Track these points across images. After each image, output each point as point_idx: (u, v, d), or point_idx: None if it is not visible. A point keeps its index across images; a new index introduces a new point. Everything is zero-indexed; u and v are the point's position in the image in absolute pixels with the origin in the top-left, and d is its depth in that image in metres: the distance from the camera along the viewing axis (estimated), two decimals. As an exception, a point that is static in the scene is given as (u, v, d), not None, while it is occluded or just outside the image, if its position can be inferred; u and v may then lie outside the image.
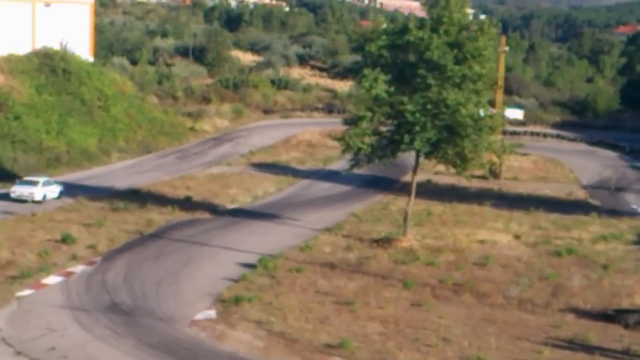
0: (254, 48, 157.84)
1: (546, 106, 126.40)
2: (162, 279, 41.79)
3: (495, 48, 61.71)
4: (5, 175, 63.46)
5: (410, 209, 52.99)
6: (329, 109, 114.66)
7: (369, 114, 49.81)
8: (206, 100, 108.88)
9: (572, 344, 35.54)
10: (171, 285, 40.95)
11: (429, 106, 48.72)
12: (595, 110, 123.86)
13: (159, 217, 55.02)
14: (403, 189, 65.00)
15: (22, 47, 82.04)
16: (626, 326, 38.12)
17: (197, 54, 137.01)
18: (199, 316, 36.80)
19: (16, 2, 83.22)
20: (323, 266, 45.66)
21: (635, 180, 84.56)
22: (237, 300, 38.31)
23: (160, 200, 59.95)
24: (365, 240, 52.35)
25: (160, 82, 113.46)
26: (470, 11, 55.44)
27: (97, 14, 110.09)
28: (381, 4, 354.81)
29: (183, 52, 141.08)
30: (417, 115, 48.68)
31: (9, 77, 77.25)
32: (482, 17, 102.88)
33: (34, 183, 58.17)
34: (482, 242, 53.61)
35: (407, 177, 67.26)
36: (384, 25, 51.98)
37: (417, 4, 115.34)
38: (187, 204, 59.85)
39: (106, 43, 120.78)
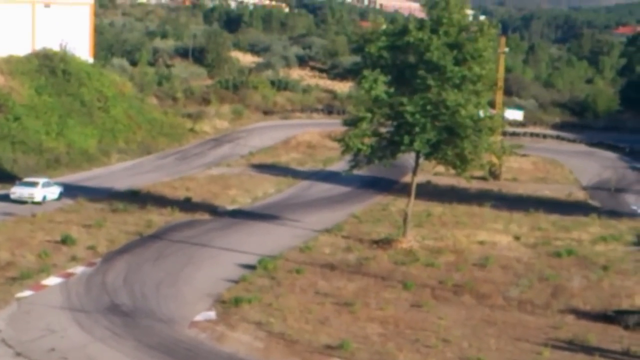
0: (253, 49, 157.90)
1: (546, 107, 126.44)
2: (161, 280, 41.78)
3: (495, 49, 61.72)
4: (5, 177, 63.47)
5: (410, 210, 52.99)
6: (329, 110, 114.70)
7: (369, 115, 49.82)
8: (206, 101, 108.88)
9: (572, 345, 35.53)
10: (171, 287, 40.94)
11: (428, 107, 48.72)
12: (595, 111, 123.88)
13: (158, 218, 55.01)
14: (403, 190, 65.00)
15: (21, 48, 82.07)
16: (626, 327, 38.11)
17: (197, 55, 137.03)
18: (199, 317, 36.79)
19: (16, 3, 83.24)
20: (323, 267, 45.65)
21: (635, 181, 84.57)
22: (237, 301, 38.30)
23: (160, 201, 59.94)
24: (365, 241, 52.35)
25: (160, 83, 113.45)
26: (469, 12, 55.47)
27: (96, 15, 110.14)
28: (381, 5, 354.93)
29: (183, 53, 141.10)
30: (417, 116, 48.69)
31: (8, 78, 77.26)
32: (482, 18, 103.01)
33: (33, 184, 58.16)
34: (482, 243, 53.61)
35: (407, 178, 67.26)
36: (384, 26, 51.99)
37: (416, 5, 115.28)
38: (186, 205, 59.84)
39: (106, 44, 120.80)
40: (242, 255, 47.24)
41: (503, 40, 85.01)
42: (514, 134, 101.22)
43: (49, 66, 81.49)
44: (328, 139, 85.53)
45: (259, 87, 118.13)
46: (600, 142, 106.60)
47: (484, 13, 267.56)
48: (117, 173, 71.69)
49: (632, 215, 66.69)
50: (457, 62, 48.90)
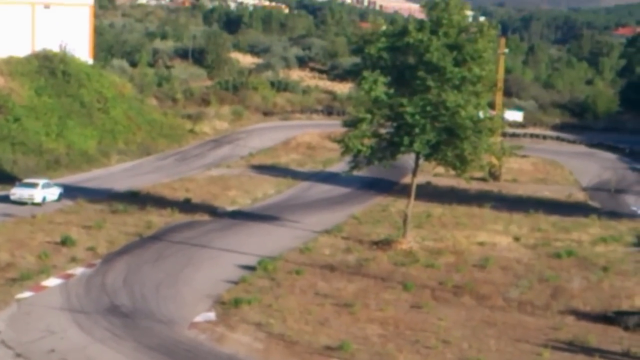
0: (253, 50, 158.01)
1: (546, 108, 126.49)
2: (161, 281, 41.77)
3: (494, 50, 61.73)
4: (4, 178, 63.45)
5: (409, 210, 52.98)
6: (329, 111, 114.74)
7: (369, 116, 49.83)
8: (206, 102, 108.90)
9: (572, 346, 35.52)
10: (171, 288, 40.92)
11: (428, 108, 48.72)
12: (595, 112, 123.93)
13: (158, 219, 55.00)
14: (403, 190, 64.99)
15: (21, 49, 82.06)
16: (626, 328, 38.10)
17: (197, 56, 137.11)
18: (199, 318, 36.78)
19: (16, 4, 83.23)
20: (323, 268, 45.63)
21: (634, 182, 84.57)
22: (236, 303, 38.28)
23: (160, 202, 59.92)
24: (364, 242, 52.33)
25: (159, 84, 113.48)
26: (469, 13, 55.45)
27: (96, 16, 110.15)
28: (381, 6, 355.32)
29: (182, 54, 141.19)
30: (417, 117, 48.70)
31: (8, 79, 77.26)
32: (482, 19, 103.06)
33: (33, 185, 58.13)
34: (481, 244, 53.59)
35: (407, 179, 67.26)
36: (384, 27, 52.00)
37: (416, 6, 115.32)
38: (186, 206, 59.83)
39: (105, 45, 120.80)
40: (242, 256, 47.23)
41: (503, 41, 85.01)
42: (513, 135, 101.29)
43: (49, 67, 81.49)
44: (328, 140, 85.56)
45: (258, 88, 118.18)
46: (600, 143, 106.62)
47: (483, 14, 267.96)
48: (117, 174, 71.68)
49: (632, 216, 66.68)
50: (457, 63, 48.91)
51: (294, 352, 33.21)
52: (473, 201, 67.67)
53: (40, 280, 40.28)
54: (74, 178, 68.07)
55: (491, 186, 75.97)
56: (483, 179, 74.09)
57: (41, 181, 59.16)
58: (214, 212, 59.31)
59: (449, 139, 49.41)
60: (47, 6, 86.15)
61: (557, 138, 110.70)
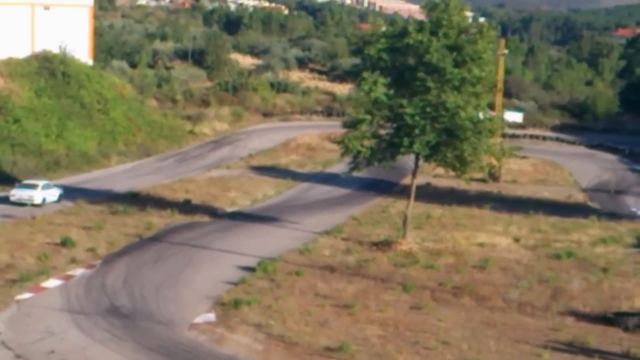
0: (253, 51, 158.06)
1: (545, 109, 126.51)
2: (161, 282, 41.78)
3: (494, 51, 61.79)
4: (4, 179, 63.45)
5: (409, 211, 52.99)
6: (328, 112, 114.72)
7: (369, 117, 49.84)
8: (205, 103, 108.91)
9: (572, 347, 35.53)
10: (171, 289, 40.93)
11: (428, 109, 48.73)
12: (595, 113, 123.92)
13: (158, 220, 55.01)
14: (402, 192, 64.99)
15: (21, 51, 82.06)
16: (626, 329, 38.11)
17: (197, 57, 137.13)
18: (199, 319, 36.79)
19: (15, 5, 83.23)
20: (322, 269, 45.64)
21: (634, 183, 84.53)
22: (236, 304, 38.29)
23: (160, 203, 59.92)
24: (364, 243, 52.33)
25: (159, 85, 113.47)
26: (469, 14, 55.47)
27: (96, 17, 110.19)
28: (380, 7, 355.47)
29: (182, 55, 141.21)
30: (417, 118, 48.71)
31: (8, 81, 77.26)
32: (481, 20, 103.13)
33: (33, 186, 58.12)
34: (481, 245, 53.60)
35: (407, 180, 67.25)
36: (383, 28, 52.00)
37: (416, 7, 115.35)
38: (186, 207, 59.82)
39: (105, 46, 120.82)
40: (242, 258, 47.23)
41: (502, 42, 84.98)
42: (513, 136, 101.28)
43: (49, 68, 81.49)
44: (327, 141, 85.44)
45: (258, 89, 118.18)
46: (600, 144, 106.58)
47: (483, 15, 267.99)
48: (117, 175, 71.68)
49: (631, 217, 66.65)
50: (457, 64, 48.92)
51: (293, 353, 33.22)
52: (473, 202, 67.67)
53: (40, 282, 40.29)
54: (73, 179, 68.07)
55: (491, 187, 75.94)
56: (483, 180, 74.03)
57: (41, 182, 59.15)
58: (213, 213, 59.31)
59: (449, 140, 49.42)
60: (46, 7, 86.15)
61: (557, 139, 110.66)
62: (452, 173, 53.20)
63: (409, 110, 48.65)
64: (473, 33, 50.06)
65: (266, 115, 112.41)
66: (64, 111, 78.34)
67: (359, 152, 50.75)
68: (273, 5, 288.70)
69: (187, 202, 61.48)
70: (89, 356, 31.84)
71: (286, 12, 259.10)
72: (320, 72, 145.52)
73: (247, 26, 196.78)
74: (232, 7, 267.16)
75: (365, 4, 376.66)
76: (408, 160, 55.94)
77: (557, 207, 68.92)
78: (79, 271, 42.63)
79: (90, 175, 70.91)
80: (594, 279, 46.61)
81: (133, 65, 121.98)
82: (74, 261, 44.06)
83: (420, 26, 49.80)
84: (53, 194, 59.01)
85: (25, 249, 45.52)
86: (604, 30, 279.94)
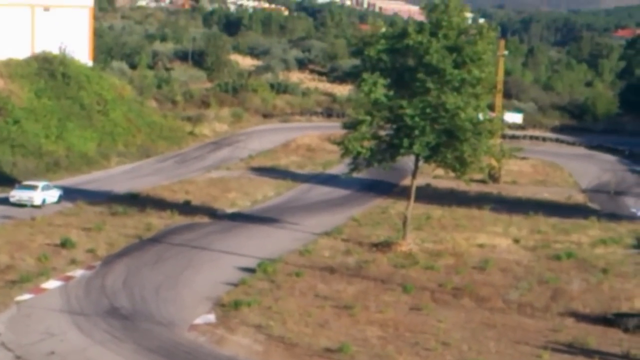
0: (253, 52, 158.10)
1: (545, 110, 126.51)
2: (161, 284, 41.77)
3: (494, 52, 61.76)
4: (4, 180, 63.44)
5: (409, 213, 52.98)
6: (328, 113, 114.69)
7: (368, 118, 49.85)
8: (205, 104, 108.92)
9: (572, 348, 35.53)
10: (170, 290, 40.93)
11: (428, 110, 48.74)
12: (595, 114, 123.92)
13: (158, 221, 55.00)
14: (402, 193, 64.99)
15: (21, 52, 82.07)
16: (626, 330, 38.12)
17: (196, 58, 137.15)
18: (199, 320, 36.78)
19: (15, 6, 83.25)
20: (322, 270, 45.64)
21: (634, 184, 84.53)
22: (236, 305, 38.28)
23: (160, 204, 59.91)
24: (364, 244, 52.33)
25: (159, 87, 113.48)
26: (469, 15, 55.47)
27: (96, 18, 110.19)
28: (380, 8, 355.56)
29: (182, 57, 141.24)
30: (417, 119, 48.72)
31: (8, 82, 77.26)
32: (481, 21, 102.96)
33: (33, 187, 58.12)
34: (481, 246, 53.59)
35: (407, 181, 67.23)
36: (383, 29, 52.02)
37: (416, 8, 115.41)
38: (186, 208, 59.83)
39: (105, 47, 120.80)
40: (242, 259, 47.24)
41: (502, 43, 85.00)
42: (513, 137, 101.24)
43: (49, 69, 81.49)
44: (327, 142, 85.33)
45: (258, 90, 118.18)
46: (600, 144, 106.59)
47: (483, 16, 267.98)
48: (117, 176, 71.68)
49: (631, 218, 66.65)
50: (457, 65, 48.93)
51: (293, 354, 33.22)
52: (473, 203, 67.66)
53: (39, 283, 40.28)
54: (73, 180, 68.06)
55: (491, 188, 75.93)
56: (483, 181, 74.03)
57: (41, 183, 59.15)
58: (213, 214, 59.31)
59: (449, 141, 49.42)
60: (46, 8, 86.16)
61: (557, 140, 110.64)
62: (452, 174, 53.20)
63: (408, 111, 48.66)
64: (473, 34, 50.08)
65: (266, 116, 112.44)
66: (64, 112, 78.35)
67: (358, 153, 50.76)
68: (273, 6, 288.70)
69: (187, 203, 61.48)
70: (89, 357, 31.84)
71: (286, 13, 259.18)
72: (320, 73, 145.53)
73: (247, 27, 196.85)
74: (232, 8, 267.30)
75: (365, 5, 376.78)
76: (408, 161, 55.93)
77: (557, 208, 68.93)
78: (78, 272, 42.63)
79: (90, 177, 70.90)
80: (593, 280, 46.62)
81: (133, 67, 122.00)
82: (73, 262, 44.05)
83: (420, 27, 49.82)
84: (53, 195, 59.00)
85: (25, 250, 45.51)
86: (604, 31, 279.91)
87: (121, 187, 66.12)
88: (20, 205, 56.79)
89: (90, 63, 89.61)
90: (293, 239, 52.83)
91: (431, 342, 35.13)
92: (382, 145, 51.65)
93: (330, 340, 34.66)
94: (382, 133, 51.96)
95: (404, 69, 50.26)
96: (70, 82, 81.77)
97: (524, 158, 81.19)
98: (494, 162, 66.98)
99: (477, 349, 34.67)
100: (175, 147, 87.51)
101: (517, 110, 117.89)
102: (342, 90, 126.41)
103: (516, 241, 55.43)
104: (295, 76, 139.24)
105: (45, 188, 58.70)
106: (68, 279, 41.45)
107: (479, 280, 45.24)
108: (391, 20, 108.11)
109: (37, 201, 57.31)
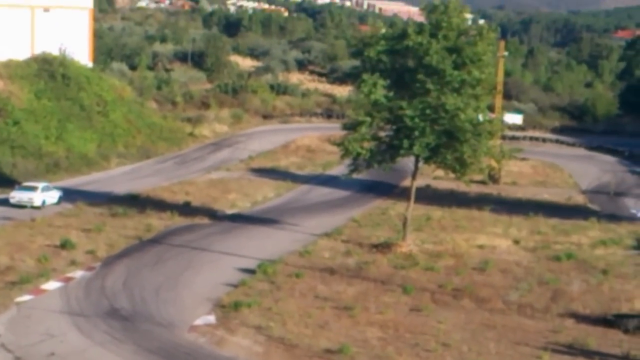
0: (253, 53, 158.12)
1: (545, 111, 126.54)
2: (161, 285, 41.76)
3: (494, 53, 61.77)
4: (4, 181, 63.44)
5: (409, 214, 52.98)
6: (328, 114, 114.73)
7: (368, 119, 49.84)
8: (205, 105, 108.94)
9: (572, 349, 35.52)
10: (170, 291, 40.92)
11: (428, 111, 48.73)
12: (595, 115, 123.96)
13: (158, 222, 55.00)
14: (402, 194, 65.00)
15: (21, 53, 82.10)
16: (626, 331, 38.11)
17: (196, 59, 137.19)
18: (199, 321, 36.78)
19: (15, 7, 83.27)
20: (322, 271, 45.64)
21: (634, 185, 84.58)
22: (236, 306, 38.28)
23: (160, 205, 59.91)
24: (364, 245, 52.32)
25: (159, 88, 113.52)
26: (469, 16, 55.33)
27: (96, 19, 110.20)
28: (380, 9, 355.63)
29: (182, 58, 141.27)
30: (416, 120, 48.71)
31: (8, 83, 77.29)
32: (481, 22, 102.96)
33: (33, 189, 58.13)
34: (481, 247, 53.60)
35: (406, 182, 67.23)
36: (383, 30, 52.05)
37: (416, 9, 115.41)
38: (186, 209, 59.83)
39: (105, 48, 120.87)
40: (242, 260, 47.23)
41: (502, 44, 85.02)
42: (513, 138, 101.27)
43: (48, 70, 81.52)
44: (327, 143, 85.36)
45: (258, 91, 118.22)
46: (600, 145, 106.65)
47: (483, 17, 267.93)
48: (117, 177, 71.69)
49: (631, 219, 66.67)
50: (457, 66, 48.93)
51: (293, 355, 33.22)
52: (472, 204, 67.68)
53: (39, 284, 40.27)
54: (73, 181, 68.08)
55: (491, 189, 75.92)
56: (482, 182, 74.01)
57: (41, 184, 59.17)
58: (213, 215, 59.31)
59: (449, 142, 49.41)
60: (46, 9, 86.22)
61: (557, 141, 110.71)
62: (451, 175, 53.13)
63: (408, 112, 48.66)
64: (473, 35, 50.08)
65: (266, 117, 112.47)
66: (64, 113, 78.36)
67: (358, 154, 50.75)
68: (273, 7, 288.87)
69: (187, 204, 61.49)
70: (89, 358, 31.84)
71: (286, 14, 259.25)
72: (320, 74, 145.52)
73: (246, 28, 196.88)
74: (232, 9, 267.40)
75: (365, 6, 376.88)
76: (408, 162, 55.94)
77: (557, 209, 68.94)
78: (78, 273, 42.62)
79: (89, 178, 70.91)
80: (593, 280, 46.61)
81: (133, 68, 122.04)
82: (73, 263, 44.05)
83: (419, 28, 49.82)
84: (53, 196, 59.00)
85: (25, 251, 45.49)
86: (604, 32, 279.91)
87: (121, 188, 66.12)
88: (20, 206, 56.80)
89: (90, 64, 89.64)
90: (293, 240, 52.83)
91: (431, 343, 35.12)
92: (382, 146, 51.65)
93: (330, 341, 34.66)
94: (382, 134, 51.95)
95: (403, 70, 50.25)
96: (70, 83, 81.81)
97: (523, 159, 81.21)
98: (493, 163, 66.94)
99: (477, 350, 34.67)
100: (175, 148, 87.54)
101: (517, 111, 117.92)
102: (342, 91, 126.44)
103: (516, 242, 55.44)
104: (295, 77, 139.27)
105: (45, 189, 58.71)
106: (68, 280, 41.45)
107: (479, 281, 45.24)
108: (391, 21, 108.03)
109: (37, 202, 57.32)
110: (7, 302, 37.45)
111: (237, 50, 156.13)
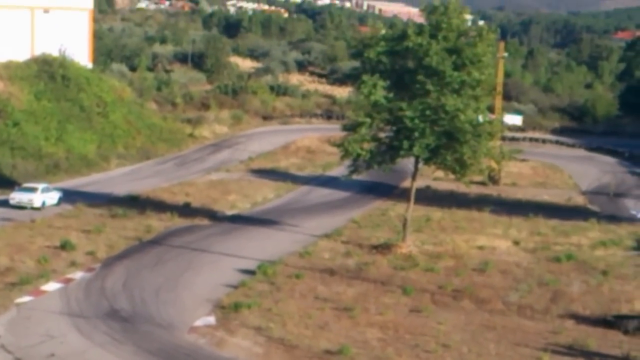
0: (252, 54, 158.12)
1: (545, 112, 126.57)
2: (161, 286, 41.75)
3: (494, 54, 61.85)
4: (4, 182, 63.44)
5: (409, 215, 52.98)
6: (328, 115, 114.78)
7: (368, 120, 49.84)
8: (205, 106, 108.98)
9: (572, 350, 35.52)
10: (170, 292, 40.91)
11: (427, 112, 48.74)
12: (594, 116, 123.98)
13: (158, 223, 54.99)
14: (402, 195, 64.99)
15: (21, 54, 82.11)
16: (626, 332, 38.10)
17: (196, 60, 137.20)
18: (198, 322, 36.77)
19: (15, 8, 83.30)
20: (322, 272, 45.63)
21: (634, 185, 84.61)
22: (236, 307, 38.28)
23: (160, 206, 59.92)
24: (364, 246, 52.32)
25: (159, 89, 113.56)
26: (468, 17, 55.31)
27: (95, 20, 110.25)
28: (380, 10, 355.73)
29: (182, 59, 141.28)
30: (416, 121, 48.72)
31: (7, 84, 77.30)
32: (481, 23, 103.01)
33: (33, 190, 58.13)
34: (481, 248, 53.61)
35: (406, 183, 67.25)
36: (383, 31, 52.06)
37: (416, 10, 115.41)
38: (186, 210, 59.84)
39: (105, 49, 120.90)
40: (242, 261, 47.23)
41: (502, 45, 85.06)
42: (513, 139, 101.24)
43: (48, 71, 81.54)
44: (327, 144, 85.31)
45: (258, 92, 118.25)
46: (600, 146, 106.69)
47: (482, 18, 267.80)
48: (116, 178, 71.69)
49: (631, 219, 66.69)
50: (456, 67, 48.94)
51: (293, 356, 33.21)
52: (472, 205, 67.69)
53: (39, 285, 40.26)
54: (73, 182, 68.08)
55: (490, 190, 75.87)
56: (482, 183, 73.73)
57: (40, 185, 59.17)
58: (213, 216, 59.32)
59: (449, 143, 49.42)
60: (46, 10, 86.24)
61: (557, 142, 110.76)
62: (451, 176, 53.13)
63: (408, 113, 48.66)
64: (472, 36, 50.08)
65: (266, 118, 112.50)
66: (64, 114, 78.38)
67: (358, 155, 50.76)
68: (272, 8, 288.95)
69: (186, 205, 61.49)
70: (89, 359, 31.82)
71: (286, 15, 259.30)
72: (320, 75, 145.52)
73: (246, 29, 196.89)
74: (232, 10, 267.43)
75: (365, 7, 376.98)
76: (408, 163, 55.95)
77: (557, 209, 68.94)
78: (78, 274, 42.61)
79: (89, 179, 70.92)
80: (593, 281, 46.61)
81: (132, 69, 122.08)
82: (73, 264, 44.04)
83: (419, 29, 49.82)
84: (52, 197, 59.01)
85: (24, 252, 45.49)
86: (604, 33, 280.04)
87: (121, 189, 66.12)
88: (20, 207, 56.80)
89: (90, 65, 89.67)
90: (293, 241, 52.83)
91: (431, 344, 35.12)
92: (381, 147, 51.65)
93: (330, 342, 34.65)
94: (382, 135, 51.96)
95: (403, 71, 50.26)
96: (70, 84, 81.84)
97: (523, 160, 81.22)
98: (493, 164, 67.00)
99: (477, 351, 34.66)
100: (175, 149, 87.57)
101: (517, 112, 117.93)
102: (342, 92, 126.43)
103: (516, 243, 55.44)
104: (295, 78, 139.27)
105: (45, 190, 58.71)
106: (68, 281, 41.44)
107: (478, 282, 45.24)
108: (391, 22, 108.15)
109: (37, 203, 57.32)
110: (7, 303, 37.43)
111: (237, 52, 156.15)
